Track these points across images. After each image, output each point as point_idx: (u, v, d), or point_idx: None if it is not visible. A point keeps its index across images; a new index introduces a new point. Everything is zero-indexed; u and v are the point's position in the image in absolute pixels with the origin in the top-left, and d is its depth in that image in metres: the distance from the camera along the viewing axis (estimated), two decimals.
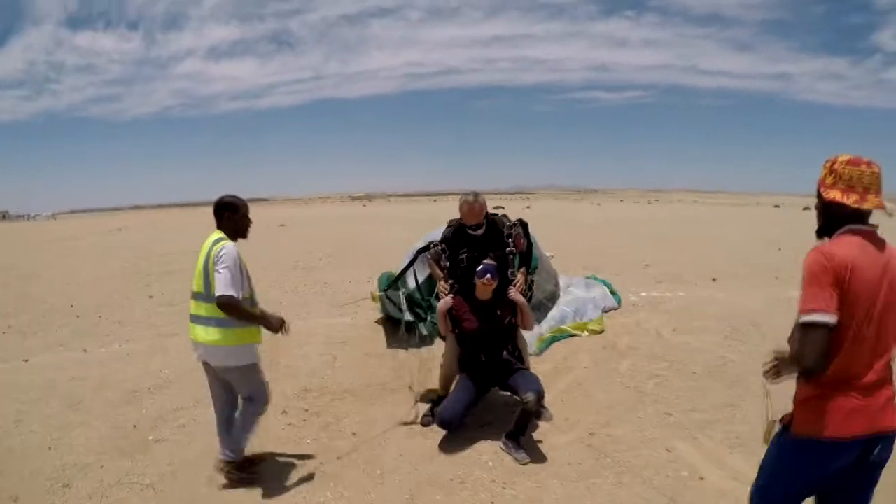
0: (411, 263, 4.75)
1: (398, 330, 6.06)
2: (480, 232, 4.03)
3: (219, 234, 3.32)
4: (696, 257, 13.74)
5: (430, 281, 5.30)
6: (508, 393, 4.14)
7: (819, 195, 2.09)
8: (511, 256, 4.04)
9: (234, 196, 3.43)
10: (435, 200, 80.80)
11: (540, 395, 3.71)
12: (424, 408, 4.60)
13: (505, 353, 4.04)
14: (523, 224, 4.24)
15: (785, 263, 11.36)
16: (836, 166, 2.03)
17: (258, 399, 3.49)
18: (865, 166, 1.99)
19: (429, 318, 5.60)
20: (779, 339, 2.33)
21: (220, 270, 3.09)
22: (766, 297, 8.76)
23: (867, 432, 1.96)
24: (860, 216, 2.02)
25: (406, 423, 4.40)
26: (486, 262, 3.86)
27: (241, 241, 3.49)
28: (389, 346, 6.24)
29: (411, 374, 5.30)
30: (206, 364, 3.37)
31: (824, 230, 2.12)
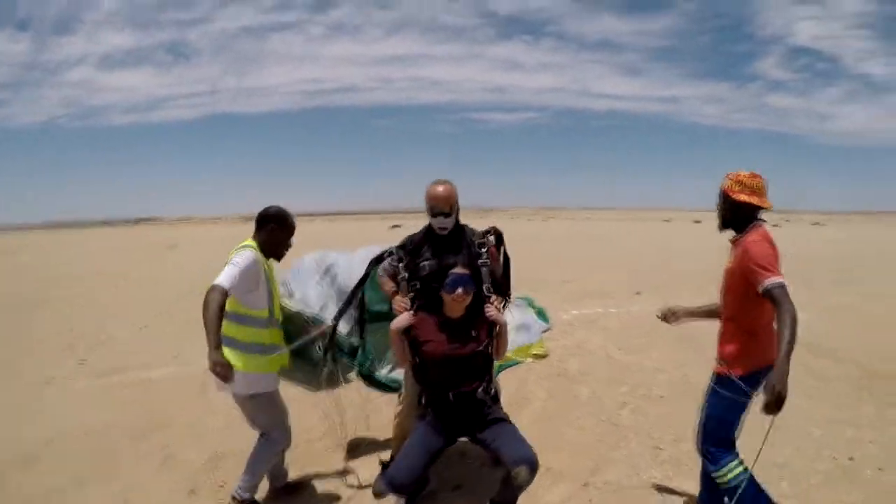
0: (363, 281, 3.56)
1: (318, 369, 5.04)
2: (448, 226, 3.23)
3: (248, 241, 3.17)
4: (613, 272, 13.81)
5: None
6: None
7: (728, 199, 2.88)
8: (484, 269, 3.24)
9: (285, 210, 3.29)
10: (332, 221, 79.59)
11: (533, 467, 2.80)
12: (370, 467, 3.76)
13: (479, 390, 3.08)
14: (497, 234, 3.46)
15: (701, 272, 11.43)
16: (741, 178, 2.85)
17: (275, 438, 3.26)
18: (760, 178, 2.85)
19: (368, 345, 4.42)
20: None
21: (229, 264, 2.96)
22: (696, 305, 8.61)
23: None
24: (758, 212, 2.86)
25: (355, 486, 3.64)
26: (455, 270, 3.03)
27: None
28: (311, 384, 5.23)
29: (345, 423, 4.33)
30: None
31: (731, 224, 2.91)
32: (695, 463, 3.86)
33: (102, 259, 21.27)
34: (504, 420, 3.09)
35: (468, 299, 3.04)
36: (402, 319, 3.11)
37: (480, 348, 3.08)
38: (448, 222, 3.27)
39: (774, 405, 2.38)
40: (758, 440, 2.73)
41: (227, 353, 2.93)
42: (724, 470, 2.90)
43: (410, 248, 3.30)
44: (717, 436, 2.91)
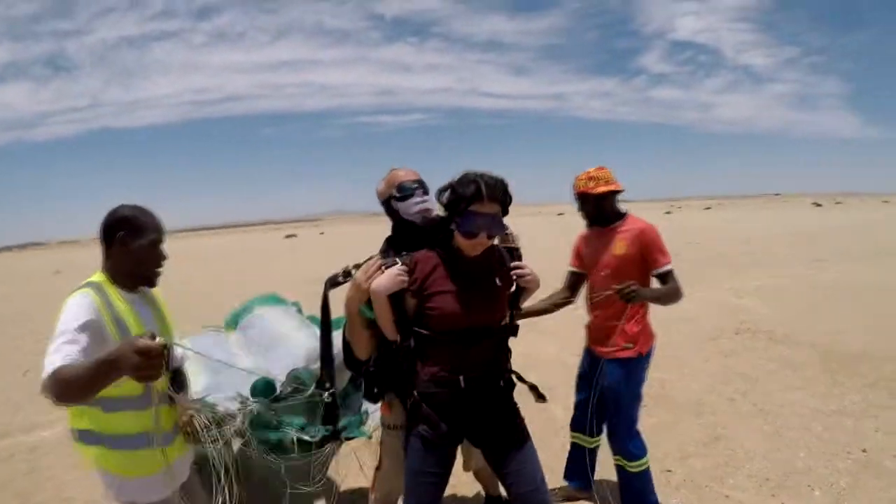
0: (327, 308, 2.69)
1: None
2: (434, 207, 2.60)
3: (93, 277, 2.15)
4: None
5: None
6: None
7: (589, 196, 3.11)
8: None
9: (138, 207, 2.21)
10: (227, 234, 76.08)
11: None
12: None
13: (503, 376, 2.40)
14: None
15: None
16: (591, 174, 3.11)
17: None
18: (605, 168, 3.14)
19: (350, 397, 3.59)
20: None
21: (53, 340, 1.90)
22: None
23: None
24: (617, 199, 3.16)
25: None
26: (478, 210, 2.24)
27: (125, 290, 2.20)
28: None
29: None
30: None
31: (598, 219, 3.16)
32: (713, 480, 3.61)
33: None
34: (527, 440, 2.42)
35: (490, 243, 2.37)
36: (391, 278, 2.29)
37: (505, 309, 2.45)
38: (430, 201, 2.63)
39: (627, 293, 2.71)
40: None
41: (87, 452, 2.12)
42: (646, 458, 3.24)
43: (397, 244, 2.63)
44: (633, 420, 3.21)
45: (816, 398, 4.91)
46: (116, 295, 2.12)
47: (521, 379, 2.45)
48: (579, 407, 3.39)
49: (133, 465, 2.13)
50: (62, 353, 1.86)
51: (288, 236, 44.59)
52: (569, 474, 3.60)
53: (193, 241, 58.57)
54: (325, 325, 2.73)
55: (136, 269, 2.20)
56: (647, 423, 4.53)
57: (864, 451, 3.94)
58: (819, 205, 55.48)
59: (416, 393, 2.34)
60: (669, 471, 3.84)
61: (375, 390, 2.64)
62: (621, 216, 3.15)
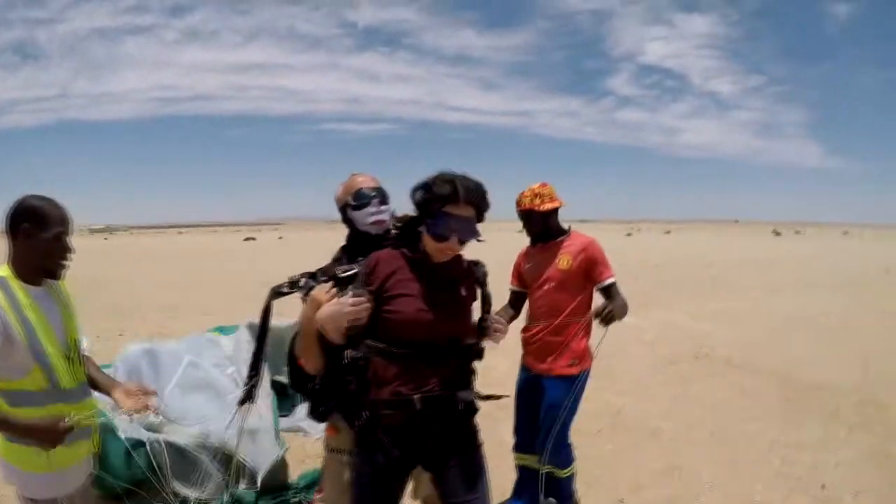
0: (266, 318, 2.41)
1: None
2: (388, 218, 2.37)
3: (1, 270, 2.13)
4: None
5: None
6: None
7: (536, 213, 3.19)
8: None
9: (41, 197, 2.15)
10: (181, 233, 74.71)
11: None
12: None
13: (461, 392, 2.14)
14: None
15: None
16: (536, 191, 3.19)
17: None
18: (548, 185, 3.23)
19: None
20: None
21: None
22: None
23: None
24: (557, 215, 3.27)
25: None
26: (451, 211, 2.10)
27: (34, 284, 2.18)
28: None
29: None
30: None
31: (544, 235, 3.25)
32: None
33: None
34: (482, 473, 2.21)
35: (461, 249, 2.20)
36: (352, 314, 2.04)
37: (467, 321, 2.25)
38: (388, 212, 2.45)
39: (606, 315, 2.80)
40: None
41: None
42: (574, 463, 3.38)
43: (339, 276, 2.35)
44: (568, 430, 3.27)
45: (774, 429, 4.82)
46: (21, 290, 2.10)
47: (482, 398, 2.22)
48: (522, 428, 3.43)
49: (26, 459, 2.10)
50: None
51: (247, 239, 44.02)
52: (517, 496, 3.53)
53: (152, 239, 57.42)
54: (262, 334, 2.47)
55: (40, 262, 2.16)
56: (604, 449, 4.41)
57: (822, 486, 3.84)
58: (779, 233, 56.81)
59: (365, 414, 2.11)
60: (622, 501, 3.67)
61: (321, 409, 2.38)
62: (564, 231, 3.28)
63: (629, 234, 55.36)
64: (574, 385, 3.10)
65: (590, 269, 3.12)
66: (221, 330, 5.82)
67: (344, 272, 2.22)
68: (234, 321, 9.49)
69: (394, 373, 2.08)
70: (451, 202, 2.04)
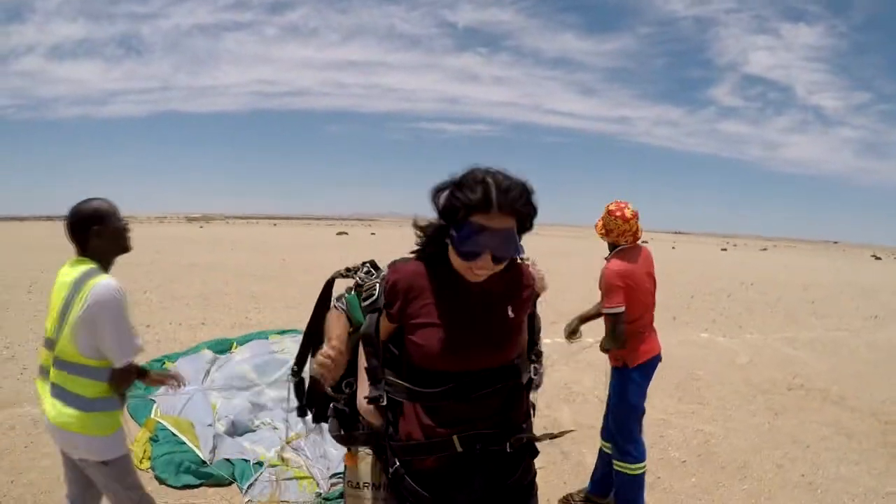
0: (322, 308, 2.28)
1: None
2: None
3: (85, 262, 2.45)
4: (584, 292, 13.12)
5: None
6: None
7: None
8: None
9: (98, 200, 2.52)
10: (275, 224, 77.88)
11: None
12: None
13: (511, 439, 1.80)
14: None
15: (678, 300, 11.14)
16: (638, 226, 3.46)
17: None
18: (620, 217, 3.41)
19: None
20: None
21: (108, 327, 2.33)
22: (682, 339, 8.21)
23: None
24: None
25: None
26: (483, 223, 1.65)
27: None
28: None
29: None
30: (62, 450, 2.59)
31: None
32: None
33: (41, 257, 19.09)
34: None
35: (499, 267, 1.74)
36: (320, 367, 1.71)
37: (516, 343, 1.88)
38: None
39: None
40: None
41: (78, 415, 2.41)
42: (642, 463, 3.45)
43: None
44: (627, 426, 3.45)
45: (872, 476, 4.50)
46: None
47: (537, 439, 1.85)
48: (606, 414, 3.68)
49: (104, 424, 2.46)
50: (133, 341, 2.41)
51: (340, 233, 45.09)
52: (595, 474, 3.82)
53: (245, 229, 59.62)
54: (317, 315, 2.28)
55: (106, 256, 2.50)
56: (688, 482, 4.27)
57: None
58: (879, 258, 53.25)
59: (395, 462, 1.78)
60: None
61: (342, 432, 2.06)
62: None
63: (724, 249, 53.21)
64: (619, 376, 3.43)
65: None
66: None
67: (368, 291, 1.84)
68: None
69: (424, 411, 1.76)
70: (481, 210, 1.62)
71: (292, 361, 2.37)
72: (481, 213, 1.61)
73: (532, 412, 1.90)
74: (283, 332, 7.08)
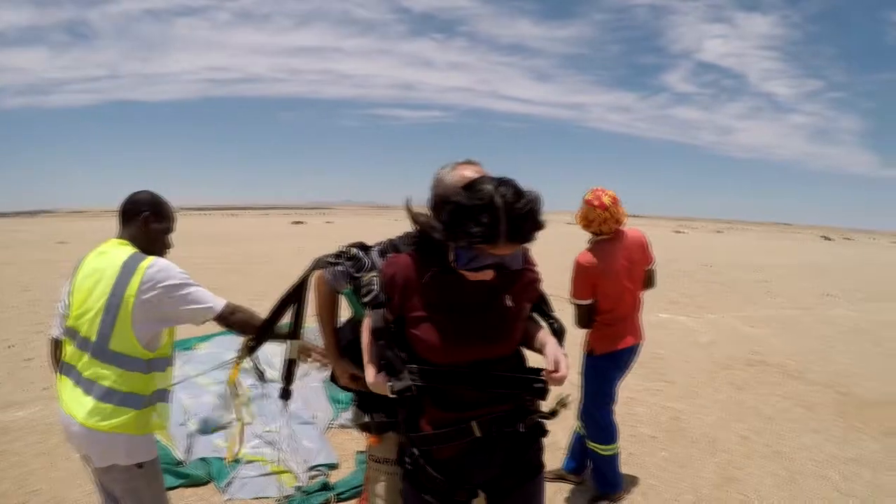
0: (299, 294, 2.37)
1: None
2: None
3: (127, 245, 2.36)
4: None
5: None
6: None
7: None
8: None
9: (158, 195, 2.49)
10: (233, 215, 76.13)
11: None
12: None
13: (525, 419, 1.83)
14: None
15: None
16: (621, 211, 3.42)
17: None
18: (603, 208, 3.37)
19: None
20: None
21: (184, 289, 2.26)
22: (643, 320, 8.30)
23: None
24: None
25: None
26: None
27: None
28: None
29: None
30: (84, 458, 2.34)
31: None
32: None
33: None
34: (542, 500, 1.98)
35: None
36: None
37: (518, 336, 1.88)
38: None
39: None
40: None
41: (117, 411, 2.23)
42: (614, 445, 3.58)
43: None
44: (594, 411, 3.57)
45: (832, 443, 4.70)
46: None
47: (549, 416, 1.89)
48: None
49: (142, 424, 2.31)
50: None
51: (295, 223, 44.67)
52: (570, 455, 3.91)
53: (200, 220, 58.51)
54: (288, 299, 2.43)
55: (149, 247, 2.39)
56: (658, 457, 4.37)
57: None
58: (829, 239, 54.94)
59: (414, 452, 1.80)
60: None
61: (367, 418, 2.23)
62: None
63: (679, 232, 54.29)
64: (588, 363, 3.52)
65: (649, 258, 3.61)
66: None
67: (367, 287, 1.84)
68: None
69: (439, 401, 1.78)
70: (488, 243, 1.59)
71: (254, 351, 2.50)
72: (488, 244, 1.59)
73: (541, 393, 1.81)
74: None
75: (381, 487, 2.27)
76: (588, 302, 3.39)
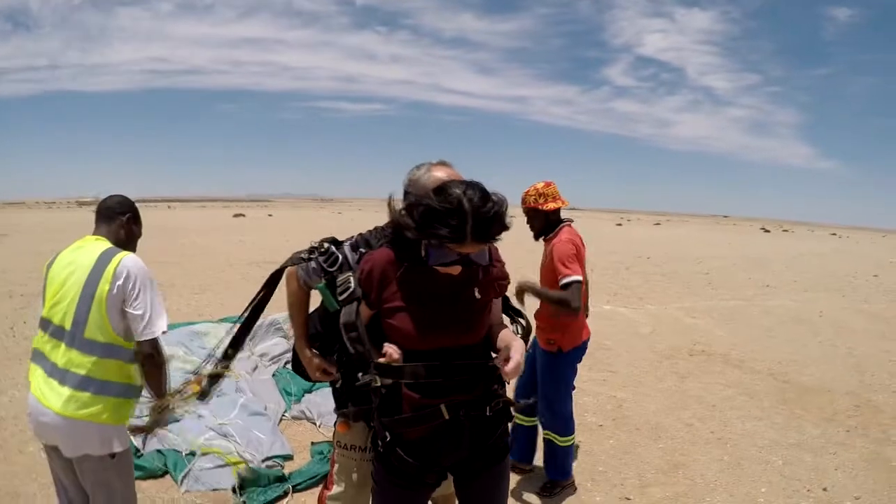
0: (263, 300, 2.30)
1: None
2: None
3: (104, 241, 2.46)
4: None
5: None
6: None
7: (539, 212, 3.43)
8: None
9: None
10: (170, 207, 74.16)
11: None
12: None
13: (491, 404, 1.93)
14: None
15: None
16: (540, 190, 3.42)
17: None
18: (553, 184, 3.46)
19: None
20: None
21: (140, 295, 2.31)
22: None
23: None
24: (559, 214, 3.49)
25: None
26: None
27: None
28: None
29: None
30: (51, 449, 2.40)
31: (545, 232, 3.47)
32: None
33: None
34: (507, 481, 2.11)
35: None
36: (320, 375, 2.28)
37: (486, 324, 2.00)
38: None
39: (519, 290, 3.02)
40: None
41: (96, 400, 2.28)
42: (572, 436, 3.59)
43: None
44: (558, 405, 3.52)
45: (775, 429, 4.77)
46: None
47: (514, 403, 2.06)
48: (520, 388, 3.68)
49: (124, 414, 2.41)
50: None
51: (236, 215, 43.80)
52: (513, 448, 3.73)
53: (142, 213, 56.82)
54: (260, 304, 2.41)
55: (123, 247, 2.48)
56: (606, 444, 4.35)
57: (824, 489, 3.79)
58: (768, 230, 56.77)
59: (386, 435, 1.88)
60: (628, 499, 3.61)
61: (345, 411, 2.20)
62: (560, 227, 3.44)
63: (619, 225, 55.30)
64: (551, 360, 3.44)
65: (553, 267, 3.28)
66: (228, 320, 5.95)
67: (343, 284, 1.93)
68: (225, 300, 9.34)
69: (411, 387, 1.86)
70: (454, 243, 1.72)
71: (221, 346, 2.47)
72: (455, 244, 1.72)
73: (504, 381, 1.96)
74: (189, 324, 6.68)
75: (349, 473, 2.33)
76: (580, 278, 3.24)
